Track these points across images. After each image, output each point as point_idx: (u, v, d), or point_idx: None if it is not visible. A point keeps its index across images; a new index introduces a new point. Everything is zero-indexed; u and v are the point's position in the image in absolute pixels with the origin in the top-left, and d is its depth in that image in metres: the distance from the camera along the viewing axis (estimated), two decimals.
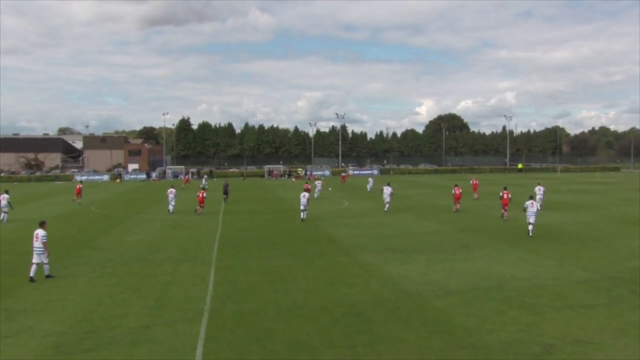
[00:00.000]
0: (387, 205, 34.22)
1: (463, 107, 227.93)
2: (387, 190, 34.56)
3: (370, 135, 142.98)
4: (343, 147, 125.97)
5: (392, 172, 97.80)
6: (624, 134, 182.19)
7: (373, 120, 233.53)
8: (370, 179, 56.28)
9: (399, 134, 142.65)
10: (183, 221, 29.90)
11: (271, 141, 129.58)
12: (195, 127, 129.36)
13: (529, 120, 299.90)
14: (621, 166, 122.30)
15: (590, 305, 12.91)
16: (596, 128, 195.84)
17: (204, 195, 34.83)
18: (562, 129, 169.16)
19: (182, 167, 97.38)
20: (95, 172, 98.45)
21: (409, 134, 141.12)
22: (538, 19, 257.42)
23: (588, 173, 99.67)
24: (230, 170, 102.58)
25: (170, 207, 34.10)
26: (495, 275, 15.97)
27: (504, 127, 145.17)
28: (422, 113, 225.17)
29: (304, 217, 29.23)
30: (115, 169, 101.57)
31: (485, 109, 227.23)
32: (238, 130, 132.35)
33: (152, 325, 11.70)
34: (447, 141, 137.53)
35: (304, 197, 29.61)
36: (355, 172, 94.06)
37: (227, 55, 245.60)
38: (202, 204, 33.90)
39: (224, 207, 37.57)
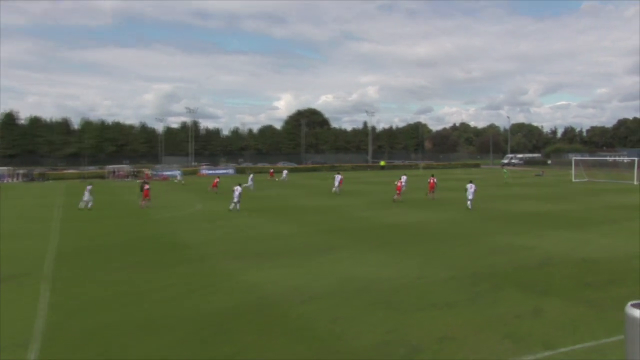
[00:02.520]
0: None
1: (324, 102, 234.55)
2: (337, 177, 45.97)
3: (225, 131, 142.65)
4: (195, 144, 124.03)
5: (249, 172, 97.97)
6: (483, 130, 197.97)
7: (228, 116, 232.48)
8: (249, 177, 57.68)
9: (256, 131, 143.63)
10: (7, 230, 27.79)
11: (114, 138, 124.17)
12: (23, 122, 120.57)
13: (391, 116, 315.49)
14: (481, 162, 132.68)
15: (454, 302, 13.93)
16: (457, 124, 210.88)
17: None
18: (425, 125, 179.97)
19: (7, 168, 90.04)
20: None
21: (267, 131, 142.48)
22: (401, 13, 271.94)
23: (450, 169, 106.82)
24: (68, 171, 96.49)
25: None
26: (361, 277, 16.65)
27: (365, 123, 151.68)
28: (280, 108, 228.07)
29: (232, 208, 34.49)
30: None
31: (346, 104, 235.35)
32: (76, 126, 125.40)
33: None
34: (307, 138, 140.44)
35: (236, 190, 34.55)
36: (209, 171, 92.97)
37: (63, 41, 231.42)
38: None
39: (62, 214, 35.44)
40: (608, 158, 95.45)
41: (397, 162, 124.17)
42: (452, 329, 11.94)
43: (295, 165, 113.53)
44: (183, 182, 68.70)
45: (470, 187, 36.27)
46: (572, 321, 12.37)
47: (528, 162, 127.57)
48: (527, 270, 17.51)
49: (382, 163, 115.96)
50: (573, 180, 66.84)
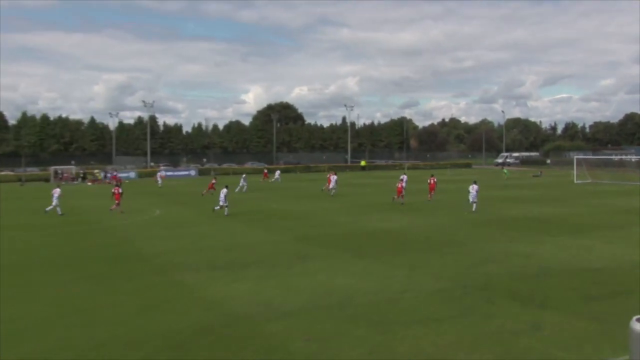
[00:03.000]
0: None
1: (297, 95, 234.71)
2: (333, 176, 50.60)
3: (187, 128, 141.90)
4: (153, 142, 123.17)
5: (213, 172, 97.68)
6: (475, 126, 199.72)
7: (190, 110, 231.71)
8: (242, 177, 58.06)
9: (221, 127, 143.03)
10: None
11: (59, 135, 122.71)
12: None
13: (373, 111, 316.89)
14: (472, 162, 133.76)
15: (442, 317, 13.98)
16: (446, 119, 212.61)
17: None
18: (410, 121, 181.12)
19: None
20: None
21: (234, 127, 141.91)
22: None
23: (438, 170, 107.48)
24: (2, 173, 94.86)
25: None
26: (338, 291, 16.65)
27: (344, 119, 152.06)
28: (249, 102, 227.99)
29: (218, 209, 36.81)
30: None
31: (323, 98, 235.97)
32: (13, 122, 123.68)
33: None
34: (279, 135, 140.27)
35: (222, 192, 36.65)
36: (169, 172, 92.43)
37: None
38: None
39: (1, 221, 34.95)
40: (613, 157, 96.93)
41: (379, 162, 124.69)
42: (441, 348, 11.96)
43: (266, 166, 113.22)
44: (160, 184, 68.53)
45: (473, 188, 37.55)
46: (574, 337, 12.48)
47: (525, 162, 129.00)
48: (524, 280, 17.66)
49: (363, 163, 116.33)
50: (575, 181, 67.73)
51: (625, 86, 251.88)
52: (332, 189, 51.08)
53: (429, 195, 45.62)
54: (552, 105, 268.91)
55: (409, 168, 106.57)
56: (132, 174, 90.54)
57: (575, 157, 78.97)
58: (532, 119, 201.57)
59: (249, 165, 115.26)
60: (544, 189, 56.85)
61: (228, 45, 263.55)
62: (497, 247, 23.52)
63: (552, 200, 44.47)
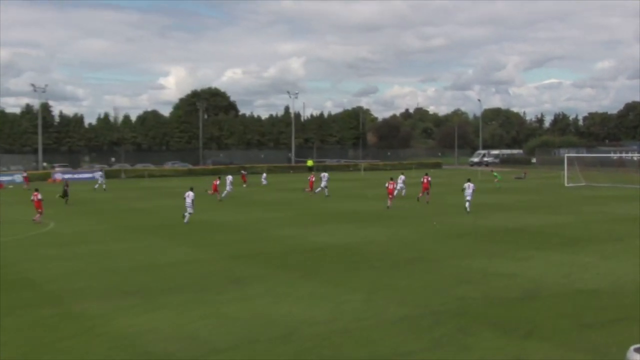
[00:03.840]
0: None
1: (230, 79, 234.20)
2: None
3: (90, 119, 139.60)
4: (46, 137, 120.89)
5: (124, 175, 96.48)
6: (446, 118, 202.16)
7: (94, 97, 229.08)
8: (228, 180, 57.92)
9: (134, 119, 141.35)
10: None
11: None
12: None
13: (322, 99, 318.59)
14: (443, 161, 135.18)
15: (408, 352, 14.01)
16: (411, 110, 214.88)
17: None
18: (367, 111, 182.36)
19: None
20: None
21: (150, 119, 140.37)
22: None
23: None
24: None
25: None
26: (280, 320, 16.58)
27: (287, 109, 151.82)
28: (169, 87, 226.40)
29: (187, 221, 37.45)
30: None
31: (261, 83, 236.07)
32: None
33: None
34: (207, 129, 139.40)
35: (188, 197, 37.71)
36: (67, 175, 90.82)
37: None
38: None
39: None
40: (612, 155, 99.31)
41: (329, 162, 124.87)
42: None
43: (190, 167, 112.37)
44: (104, 187, 67.39)
45: (469, 187, 42.61)
46: None
47: (506, 161, 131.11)
48: (506, 305, 17.89)
49: (310, 163, 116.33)
50: (565, 184, 69.05)
51: (627, 70, 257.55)
52: (324, 187, 55.98)
53: (421, 194, 49.67)
54: (538, 93, 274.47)
55: (365, 169, 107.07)
56: (18, 177, 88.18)
57: (566, 155, 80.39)
58: (515, 109, 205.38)
59: (169, 165, 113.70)
60: (529, 194, 57.82)
61: (142, 16, 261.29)
62: (474, 265, 23.78)
63: (539, 208, 45.24)
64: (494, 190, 61.23)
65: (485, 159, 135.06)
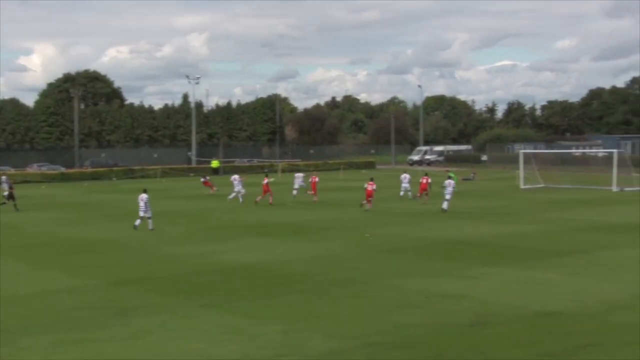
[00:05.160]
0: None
1: (113, 59, 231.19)
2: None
3: None
4: None
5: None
6: (381, 107, 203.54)
7: None
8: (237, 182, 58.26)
9: None
10: None
11: None
12: None
13: (230, 85, 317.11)
14: (377, 160, 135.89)
15: None
16: (339, 98, 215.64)
17: None
18: (286, 100, 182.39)
19: None
20: None
21: (8, 109, 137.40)
22: None
23: (326, 172, 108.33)
24: None
25: None
26: None
27: (186, 97, 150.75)
28: (33, 69, 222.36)
29: (137, 225, 40.15)
30: None
31: (153, 65, 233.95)
32: None
33: None
34: (84, 122, 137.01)
35: (142, 200, 40.41)
36: None
37: None
38: None
39: None
40: (574, 150, 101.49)
41: (239, 162, 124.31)
42: None
43: (62, 170, 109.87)
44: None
45: (449, 184, 48.06)
46: None
47: (452, 159, 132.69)
48: (453, 334, 18.12)
49: (215, 164, 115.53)
50: (521, 186, 70.32)
51: (591, 50, 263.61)
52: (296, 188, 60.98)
53: (420, 196, 53.95)
54: (489, 77, 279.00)
55: (284, 170, 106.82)
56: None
57: (522, 151, 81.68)
58: (462, 97, 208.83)
59: (34, 168, 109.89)
60: (479, 199, 58.78)
61: None
62: (415, 286, 24.06)
63: (491, 215, 46.02)
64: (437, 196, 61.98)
65: (427, 156, 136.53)
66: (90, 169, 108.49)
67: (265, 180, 54.63)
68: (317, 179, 59.15)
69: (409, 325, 19.00)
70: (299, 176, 61.34)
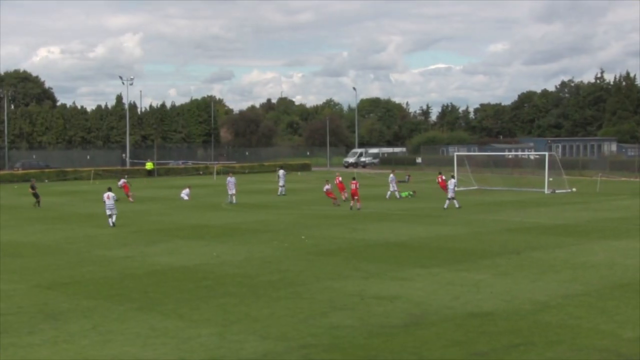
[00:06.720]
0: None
1: (44, 60, 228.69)
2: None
3: None
4: None
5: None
6: (316, 109, 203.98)
7: None
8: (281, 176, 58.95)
9: None
10: None
11: None
12: None
13: (164, 86, 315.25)
14: (312, 162, 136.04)
15: None
16: (274, 100, 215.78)
17: None
18: (221, 102, 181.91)
19: None
20: None
21: None
22: None
23: (261, 175, 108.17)
24: None
25: None
26: None
27: (119, 98, 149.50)
28: None
29: (114, 222, 42.60)
30: None
31: (86, 65, 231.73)
32: None
33: None
34: (14, 123, 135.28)
35: (108, 198, 42.26)
36: None
37: None
38: None
39: None
40: (507, 153, 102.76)
41: (174, 164, 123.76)
42: None
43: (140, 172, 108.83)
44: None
45: (451, 183, 51.16)
46: None
47: (386, 161, 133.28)
48: (387, 335, 18.20)
49: (150, 165, 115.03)
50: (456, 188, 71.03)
51: (522, 54, 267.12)
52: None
53: (352, 199, 52.86)
54: (424, 80, 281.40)
55: (219, 172, 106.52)
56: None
57: (456, 153, 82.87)
58: (397, 100, 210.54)
59: None
60: (413, 201, 59.17)
61: None
62: (349, 287, 24.16)
63: (424, 217, 46.39)
64: (374, 198, 62.30)
65: (363, 159, 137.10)
66: (20, 171, 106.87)
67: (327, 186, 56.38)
68: (340, 178, 60.46)
69: (344, 326, 19.07)
70: (231, 181, 58.74)
